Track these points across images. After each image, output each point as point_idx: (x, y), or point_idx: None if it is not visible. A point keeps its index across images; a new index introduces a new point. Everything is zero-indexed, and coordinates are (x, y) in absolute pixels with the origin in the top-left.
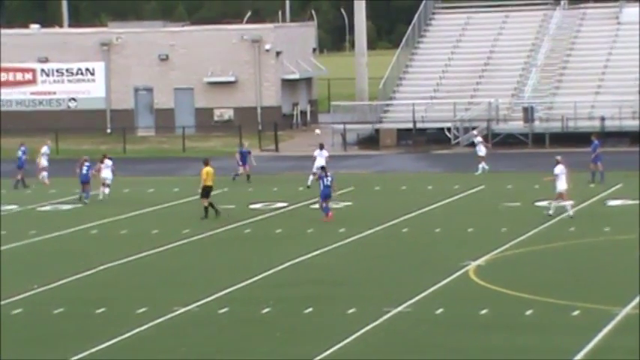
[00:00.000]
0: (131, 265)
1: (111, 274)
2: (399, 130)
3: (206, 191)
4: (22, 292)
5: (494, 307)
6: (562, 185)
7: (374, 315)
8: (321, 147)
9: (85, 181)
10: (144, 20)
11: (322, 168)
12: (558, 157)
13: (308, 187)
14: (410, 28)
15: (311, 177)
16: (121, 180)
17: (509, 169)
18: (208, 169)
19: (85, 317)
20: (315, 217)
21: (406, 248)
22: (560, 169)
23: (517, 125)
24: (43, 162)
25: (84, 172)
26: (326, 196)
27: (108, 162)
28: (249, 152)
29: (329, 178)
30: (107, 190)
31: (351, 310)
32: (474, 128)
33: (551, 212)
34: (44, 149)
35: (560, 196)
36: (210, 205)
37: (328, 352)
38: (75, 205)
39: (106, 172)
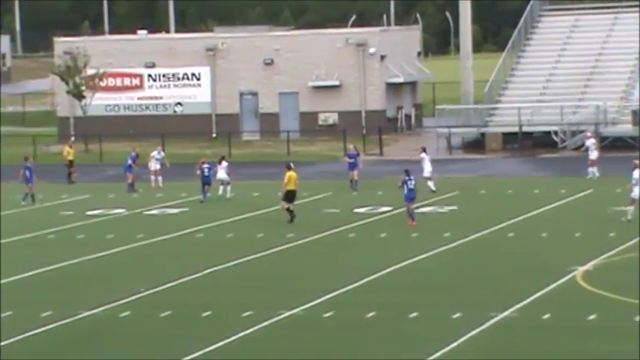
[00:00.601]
0: (236, 269)
1: (217, 278)
2: (505, 134)
3: (288, 195)
4: (129, 295)
5: (602, 312)
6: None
7: (480, 320)
8: (424, 150)
9: (206, 183)
10: (249, 25)
11: (406, 171)
12: (636, 161)
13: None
14: (516, 30)
15: (430, 182)
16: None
17: (617, 173)
18: (291, 173)
19: (192, 320)
20: (420, 221)
21: (512, 253)
22: (638, 173)
23: (626, 128)
24: (155, 165)
25: (205, 173)
26: (411, 200)
27: (224, 164)
28: (358, 154)
29: (412, 181)
30: (229, 188)
31: (456, 315)
32: (581, 131)
33: (629, 217)
34: (154, 153)
35: (633, 202)
36: (290, 211)
37: (433, 357)
38: (181, 209)
39: (221, 174)
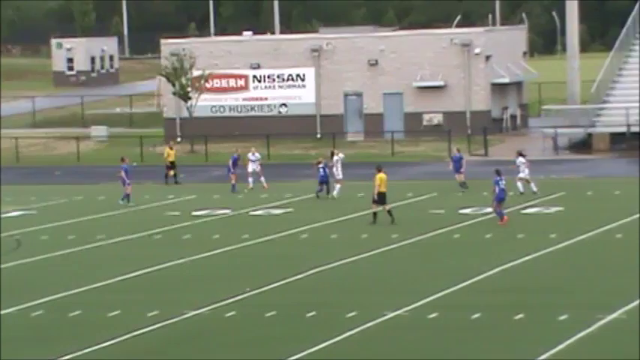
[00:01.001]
0: (341, 270)
1: (321, 278)
2: (612, 134)
3: (380, 197)
4: (235, 295)
5: None
6: None
7: (586, 322)
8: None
9: (322, 182)
10: (354, 25)
11: (497, 171)
12: None
13: (521, 193)
14: (624, 29)
15: (518, 183)
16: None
17: None
18: (381, 175)
19: (296, 320)
20: (526, 222)
21: (620, 254)
22: None
23: None
24: (253, 167)
25: (321, 172)
26: (501, 200)
27: (336, 158)
28: (462, 157)
29: (503, 182)
30: (338, 187)
31: (562, 317)
32: None
33: None
34: (249, 155)
35: None
36: (389, 212)
37: (539, 359)
38: (286, 210)
39: (335, 170)
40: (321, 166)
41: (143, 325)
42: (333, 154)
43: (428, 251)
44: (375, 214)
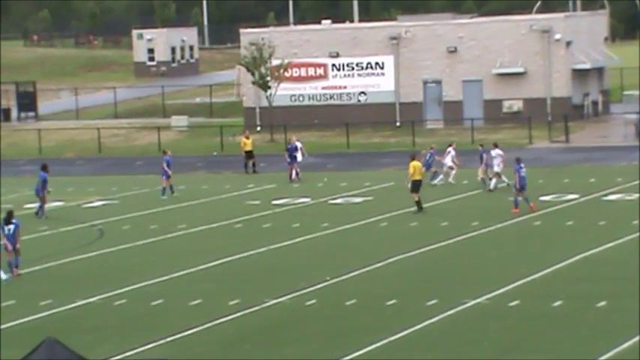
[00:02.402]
0: (421, 258)
1: (401, 267)
2: None
3: (415, 185)
4: (315, 284)
5: None
6: None
7: None
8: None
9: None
10: (433, 13)
11: (517, 159)
12: None
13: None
14: None
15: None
16: (404, 173)
17: None
18: (415, 163)
19: (376, 309)
20: (608, 210)
21: None
22: None
23: None
24: (299, 157)
25: (427, 160)
26: (521, 188)
27: (450, 149)
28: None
29: (523, 170)
30: (453, 173)
31: None
32: None
33: None
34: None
35: None
36: (417, 202)
37: (618, 349)
38: (365, 198)
39: (447, 159)
40: (432, 152)
41: (224, 314)
42: (449, 146)
43: (508, 239)
44: (418, 202)
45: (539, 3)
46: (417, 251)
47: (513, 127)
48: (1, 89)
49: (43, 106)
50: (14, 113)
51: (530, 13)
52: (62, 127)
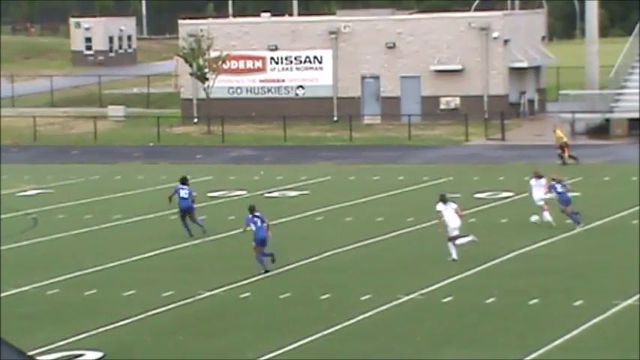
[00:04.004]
0: (356, 253)
1: (336, 261)
2: (631, 120)
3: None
4: (250, 276)
5: None
6: None
7: (602, 308)
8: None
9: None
10: (372, 8)
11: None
12: None
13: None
14: None
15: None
16: (345, 168)
17: None
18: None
19: (311, 302)
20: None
21: (637, 240)
22: None
23: None
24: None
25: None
26: (567, 202)
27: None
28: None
29: (558, 185)
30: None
31: (578, 302)
32: None
33: None
34: None
35: None
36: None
37: (553, 344)
38: (301, 192)
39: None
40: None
41: (158, 304)
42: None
43: (443, 235)
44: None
45: (477, 1)
46: (352, 246)
47: (450, 124)
48: None
49: None
50: None
51: (469, 10)
52: None
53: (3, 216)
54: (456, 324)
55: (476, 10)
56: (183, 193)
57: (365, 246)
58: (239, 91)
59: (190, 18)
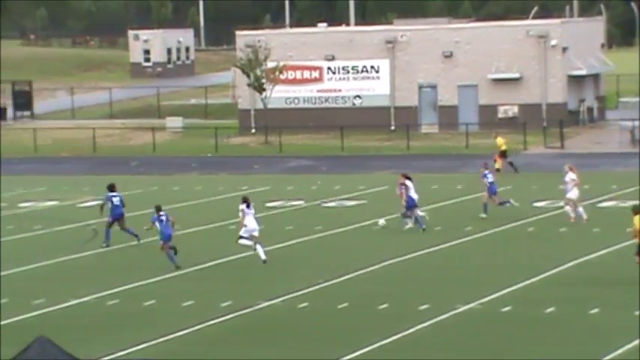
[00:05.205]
0: (414, 262)
1: (394, 271)
2: None
3: None
4: (308, 287)
5: None
6: None
7: None
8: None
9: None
10: (429, 17)
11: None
12: None
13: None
14: None
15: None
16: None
17: None
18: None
19: (368, 312)
20: (600, 216)
21: None
22: None
23: None
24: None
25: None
26: (494, 192)
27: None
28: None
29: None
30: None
31: (637, 312)
32: None
33: None
34: None
35: None
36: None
37: (614, 354)
38: (359, 202)
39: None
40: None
41: (216, 315)
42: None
43: (502, 244)
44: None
45: (536, 8)
46: (410, 255)
47: (508, 133)
48: None
49: (39, 105)
50: (10, 112)
51: (527, 18)
52: (58, 127)
53: (63, 227)
54: (516, 334)
55: (534, 18)
56: (116, 200)
57: (423, 255)
58: (296, 101)
59: (248, 29)
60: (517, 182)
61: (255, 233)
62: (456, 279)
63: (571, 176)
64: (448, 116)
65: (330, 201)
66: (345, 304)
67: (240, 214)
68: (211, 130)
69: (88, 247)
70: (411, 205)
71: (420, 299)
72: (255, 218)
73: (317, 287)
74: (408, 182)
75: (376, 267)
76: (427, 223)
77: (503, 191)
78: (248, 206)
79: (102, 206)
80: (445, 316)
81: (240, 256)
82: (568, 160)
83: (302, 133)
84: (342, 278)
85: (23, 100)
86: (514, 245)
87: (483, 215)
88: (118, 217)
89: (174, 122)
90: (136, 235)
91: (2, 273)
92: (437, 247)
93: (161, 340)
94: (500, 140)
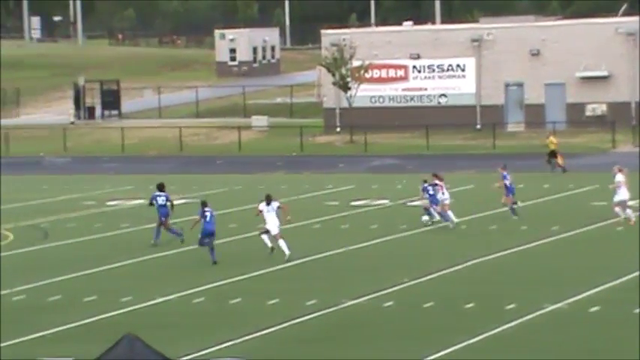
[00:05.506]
0: (500, 261)
1: (479, 270)
2: None
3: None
4: (393, 286)
5: None
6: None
7: None
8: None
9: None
10: (515, 15)
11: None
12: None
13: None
14: None
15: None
16: (489, 176)
17: None
18: None
19: (454, 312)
20: None
21: None
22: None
23: None
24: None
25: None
26: (437, 202)
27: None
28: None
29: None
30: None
31: None
32: None
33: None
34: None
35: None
36: None
37: None
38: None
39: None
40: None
41: (301, 313)
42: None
43: (589, 244)
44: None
45: (625, 5)
46: (496, 255)
47: (596, 131)
48: (86, 87)
49: (127, 104)
50: (98, 111)
51: (615, 15)
52: (145, 126)
53: (150, 225)
54: (603, 334)
55: (623, 15)
56: (161, 200)
57: (509, 255)
58: (381, 100)
59: (333, 28)
60: (605, 181)
61: (276, 230)
62: (543, 279)
63: (620, 178)
64: (535, 115)
65: (415, 200)
66: (431, 304)
67: (260, 212)
68: (296, 129)
69: (173, 245)
70: (435, 203)
71: (506, 299)
72: (277, 215)
73: (402, 286)
74: (439, 183)
75: (461, 266)
76: (513, 223)
77: (590, 191)
78: (268, 204)
79: (150, 204)
80: (532, 316)
81: (323, 255)
82: None
83: (387, 131)
84: (427, 277)
85: (111, 100)
86: (602, 245)
87: (515, 217)
88: (164, 216)
89: (260, 121)
90: (180, 235)
91: (90, 271)
92: (523, 247)
93: (246, 338)
94: (552, 140)
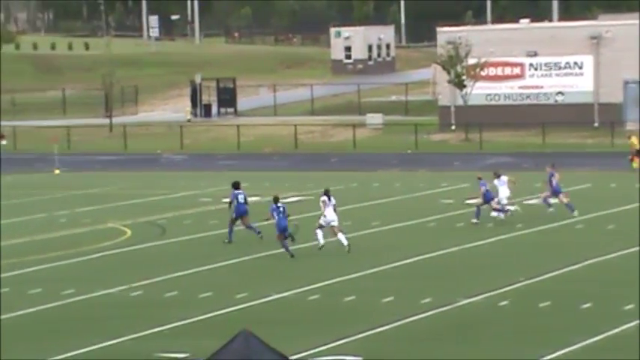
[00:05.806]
0: (617, 261)
1: (597, 269)
2: None
3: None
4: (508, 284)
5: None
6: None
7: None
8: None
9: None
10: (635, 12)
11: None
12: None
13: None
14: None
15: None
16: (606, 175)
17: None
18: None
19: (571, 312)
20: None
21: None
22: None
23: None
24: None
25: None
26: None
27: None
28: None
29: None
30: None
31: None
32: None
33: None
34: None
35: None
36: None
37: None
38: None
39: None
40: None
41: (416, 312)
42: None
43: None
44: None
45: None
46: (614, 254)
47: None
48: (203, 85)
49: (242, 102)
50: (214, 109)
51: None
52: (260, 123)
53: (265, 223)
54: None
55: None
56: (241, 197)
57: (627, 255)
58: (497, 97)
59: (449, 25)
60: None
61: (335, 224)
62: None
63: None
64: None
65: (532, 198)
66: (547, 303)
67: (322, 204)
68: (411, 126)
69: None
70: (489, 199)
71: (624, 299)
72: (335, 210)
73: (518, 285)
74: (495, 181)
75: (579, 265)
76: (632, 222)
77: None
78: (329, 198)
79: (230, 203)
80: None
81: (438, 253)
82: None
83: (502, 129)
84: (543, 277)
85: (227, 97)
86: None
87: (576, 213)
88: (242, 214)
89: (375, 119)
90: (259, 232)
91: (206, 267)
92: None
93: (361, 336)
94: (634, 140)
